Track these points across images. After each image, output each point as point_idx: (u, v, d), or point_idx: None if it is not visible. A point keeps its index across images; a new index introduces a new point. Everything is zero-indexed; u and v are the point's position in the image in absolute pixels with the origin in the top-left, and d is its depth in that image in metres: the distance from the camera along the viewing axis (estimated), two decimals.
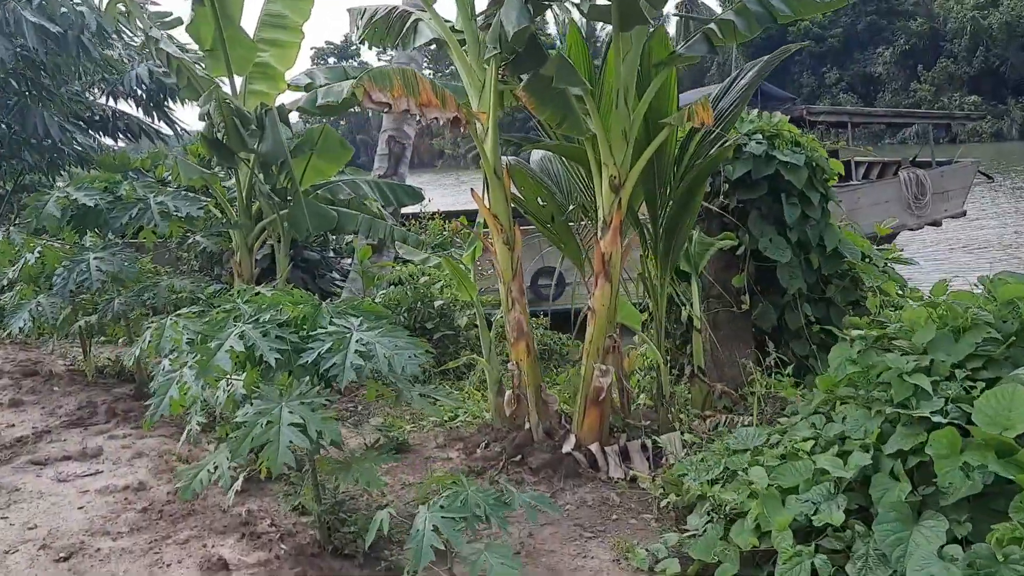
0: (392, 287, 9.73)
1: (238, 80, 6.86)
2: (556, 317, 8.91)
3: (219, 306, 4.64)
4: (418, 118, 7.33)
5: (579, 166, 4.93)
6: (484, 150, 4.63)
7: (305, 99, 6.76)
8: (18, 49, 10.61)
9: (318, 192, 7.07)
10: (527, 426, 4.63)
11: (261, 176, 6.63)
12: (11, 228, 6.14)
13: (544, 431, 4.53)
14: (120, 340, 8.97)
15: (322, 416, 3.19)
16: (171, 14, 7.34)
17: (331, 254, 11.78)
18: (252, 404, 3.31)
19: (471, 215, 15.05)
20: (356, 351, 3.35)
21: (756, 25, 4.16)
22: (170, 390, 3.59)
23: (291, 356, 3.49)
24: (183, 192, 6.36)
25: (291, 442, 3.08)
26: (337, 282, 11.32)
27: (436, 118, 4.20)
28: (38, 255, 6.62)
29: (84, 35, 10.83)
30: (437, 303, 8.75)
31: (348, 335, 3.45)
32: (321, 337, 3.44)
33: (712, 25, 4.23)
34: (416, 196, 7.79)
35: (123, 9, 7.50)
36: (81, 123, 12.97)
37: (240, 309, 4.29)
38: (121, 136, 14.31)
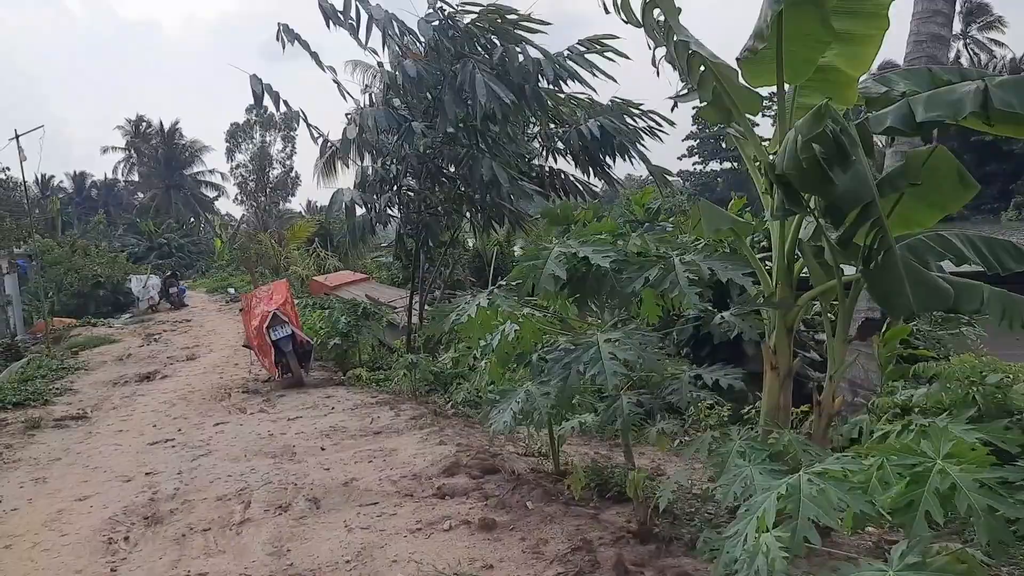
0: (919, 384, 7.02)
1: (787, 90, 4.85)
2: None
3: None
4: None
5: None
6: None
7: (893, 114, 4.52)
8: (468, 103, 10.06)
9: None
10: None
11: (827, 226, 4.47)
12: (495, 291, 4.66)
13: None
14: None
15: None
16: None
17: (801, 327, 9.40)
18: None
19: None
20: None
21: None
22: None
23: None
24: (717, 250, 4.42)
25: None
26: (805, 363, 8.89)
27: None
28: (516, 328, 5.20)
29: (540, 85, 9.99)
30: None
31: None
32: None
33: None
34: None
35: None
36: (522, 180, 12.33)
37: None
38: (554, 194, 13.57)
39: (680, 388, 4.39)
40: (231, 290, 26.00)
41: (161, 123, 59.82)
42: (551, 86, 10.26)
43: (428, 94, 9.96)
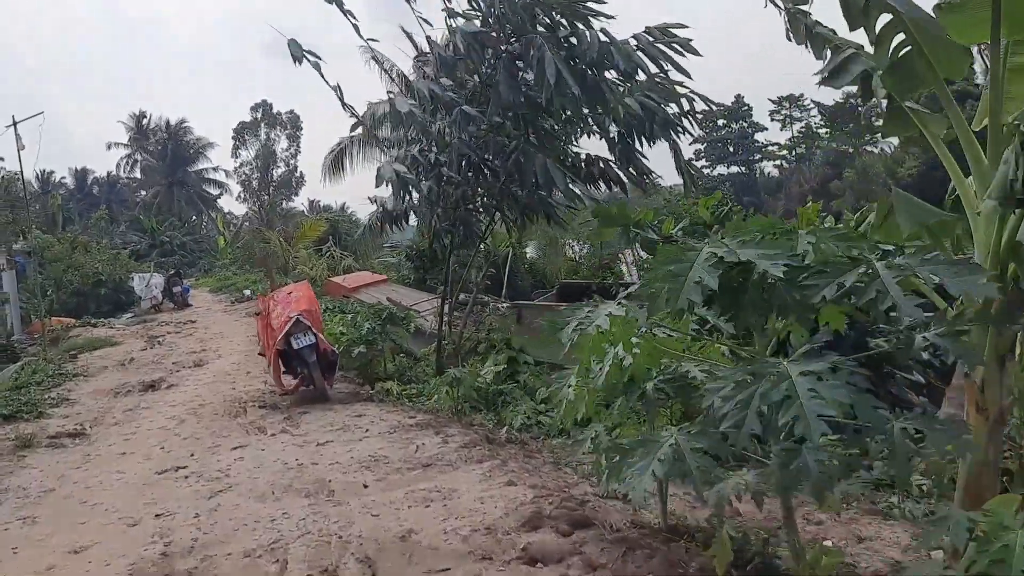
0: None
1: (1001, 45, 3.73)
2: None
3: None
4: None
5: None
6: None
7: None
8: (525, 89, 8.91)
9: None
10: None
11: None
12: (623, 303, 3.56)
13: None
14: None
15: None
16: None
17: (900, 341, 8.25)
18: None
19: None
20: None
21: None
22: None
23: None
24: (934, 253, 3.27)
25: None
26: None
27: None
28: (635, 351, 4.11)
29: (607, 72, 8.88)
30: None
31: None
32: None
33: None
34: None
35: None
36: (563, 171, 11.12)
37: None
38: (593, 185, 12.33)
39: (895, 448, 3.17)
40: (247, 292, 24.64)
41: (167, 120, 58.76)
42: (616, 78, 9.08)
43: (476, 76, 8.81)
